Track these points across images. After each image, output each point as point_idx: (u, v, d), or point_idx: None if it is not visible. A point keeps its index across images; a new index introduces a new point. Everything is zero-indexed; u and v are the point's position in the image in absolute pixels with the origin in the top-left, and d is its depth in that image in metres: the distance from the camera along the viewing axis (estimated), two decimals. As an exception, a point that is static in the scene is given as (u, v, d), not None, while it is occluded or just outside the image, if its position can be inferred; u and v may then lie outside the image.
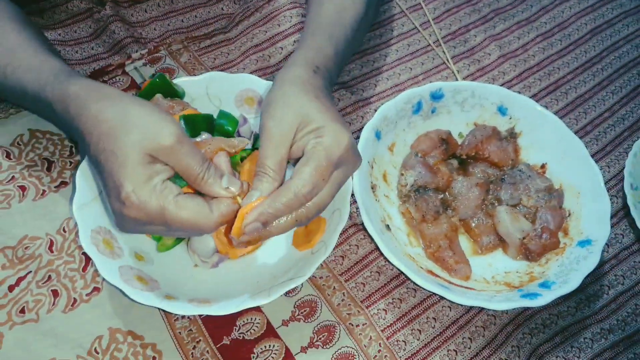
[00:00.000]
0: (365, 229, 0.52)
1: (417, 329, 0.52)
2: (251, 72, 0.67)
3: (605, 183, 0.58)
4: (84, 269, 0.52)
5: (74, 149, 0.59)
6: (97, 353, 0.48)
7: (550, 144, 0.61)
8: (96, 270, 0.51)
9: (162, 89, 0.55)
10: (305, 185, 0.43)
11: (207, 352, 0.49)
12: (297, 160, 0.46)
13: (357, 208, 0.54)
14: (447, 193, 0.59)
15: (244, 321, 0.51)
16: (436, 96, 0.62)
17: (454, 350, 0.51)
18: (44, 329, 0.49)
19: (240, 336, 0.50)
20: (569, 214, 0.58)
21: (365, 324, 0.52)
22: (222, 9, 0.73)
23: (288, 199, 0.43)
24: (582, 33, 0.77)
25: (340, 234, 0.56)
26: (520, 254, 0.56)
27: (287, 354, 0.49)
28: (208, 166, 0.44)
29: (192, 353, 0.49)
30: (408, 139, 0.62)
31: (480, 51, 0.74)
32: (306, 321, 0.51)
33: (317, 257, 0.49)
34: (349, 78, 0.69)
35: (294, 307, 0.52)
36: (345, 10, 0.59)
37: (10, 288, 0.51)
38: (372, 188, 0.57)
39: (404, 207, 0.58)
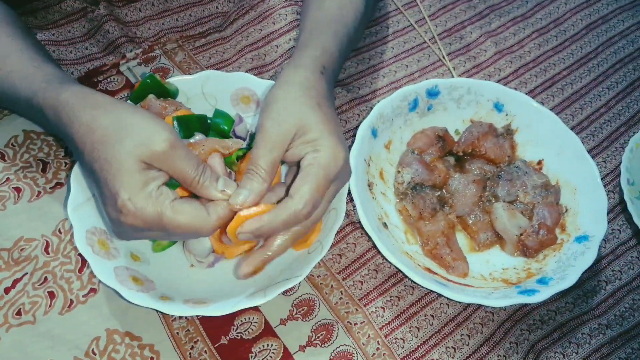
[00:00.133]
0: (362, 227, 0.52)
1: (415, 327, 0.52)
2: (246, 71, 0.67)
3: (602, 179, 0.59)
4: (80, 270, 0.52)
5: (68, 149, 0.59)
6: (95, 354, 0.48)
7: (547, 140, 0.61)
8: (92, 272, 0.51)
9: (153, 89, 0.54)
10: (305, 206, 0.43)
11: (205, 352, 0.49)
12: (287, 163, 0.46)
13: (354, 206, 0.54)
14: (444, 190, 0.59)
15: (241, 321, 0.51)
16: (432, 93, 0.62)
17: (452, 347, 0.51)
18: (41, 330, 0.49)
19: (238, 336, 0.50)
20: (566, 210, 0.58)
21: (364, 322, 0.52)
22: (216, 7, 0.73)
23: (287, 217, 0.43)
24: (577, 29, 0.77)
25: (338, 232, 0.56)
26: (517, 251, 0.56)
27: (285, 353, 0.49)
28: (203, 169, 0.44)
29: (190, 353, 0.49)
30: (404, 137, 0.62)
31: (476, 48, 0.74)
32: (304, 320, 0.51)
33: (314, 256, 0.49)
34: (344, 76, 0.69)
35: (292, 306, 0.52)
36: (345, 8, 0.59)
37: (6, 290, 0.50)
38: (369, 186, 0.57)
39: (401, 205, 0.58)
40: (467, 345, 0.52)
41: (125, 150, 0.41)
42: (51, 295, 0.51)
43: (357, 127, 0.59)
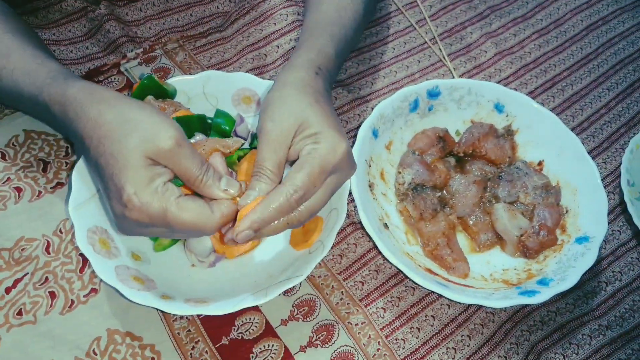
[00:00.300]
0: (363, 228, 0.52)
1: (416, 327, 0.52)
2: (247, 71, 0.67)
3: (602, 180, 0.59)
4: (81, 270, 0.52)
5: (69, 149, 0.59)
6: (96, 354, 0.48)
7: (547, 141, 0.61)
8: (93, 272, 0.51)
9: (152, 90, 0.54)
10: (296, 191, 0.43)
11: (206, 352, 0.49)
12: (293, 162, 0.46)
13: (355, 207, 0.54)
14: (444, 191, 0.59)
15: (242, 321, 0.51)
16: (433, 94, 0.62)
17: (452, 348, 0.51)
18: (42, 330, 0.49)
19: (239, 336, 0.50)
20: (566, 211, 0.58)
21: (364, 322, 0.52)
22: (217, 7, 0.73)
23: (279, 204, 0.43)
24: (577, 30, 0.77)
25: (338, 232, 0.56)
26: (518, 251, 0.56)
27: (286, 354, 0.49)
28: (207, 169, 0.44)
29: (191, 353, 0.49)
30: (405, 137, 0.62)
31: (476, 48, 0.74)
32: (305, 320, 0.51)
33: (315, 256, 0.49)
34: (345, 76, 0.69)
35: (293, 306, 0.52)
36: (344, 10, 0.59)
37: (7, 290, 0.50)
38: (370, 187, 0.57)
39: (402, 206, 0.58)
40: (468, 346, 0.52)
41: (132, 145, 0.41)
42: (52, 295, 0.50)
43: (357, 128, 0.59)
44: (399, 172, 0.59)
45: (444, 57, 0.72)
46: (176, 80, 0.58)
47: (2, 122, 0.59)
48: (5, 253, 0.52)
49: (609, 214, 0.58)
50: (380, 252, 0.52)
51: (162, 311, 0.49)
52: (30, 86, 0.48)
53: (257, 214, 0.43)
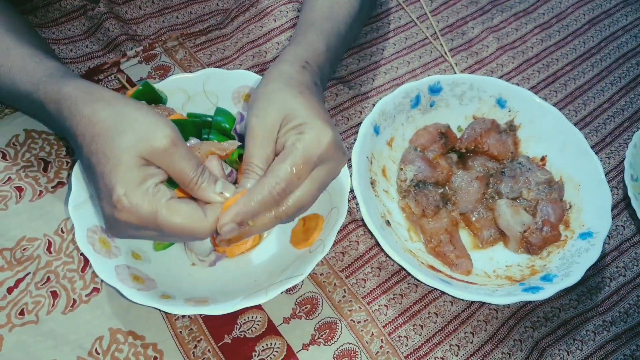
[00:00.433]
0: (365, 225, 0.52)
1: (419, 325, 0.52)
2: (247, 68, 0.67)
3: (606, 174, 0.58)
4: (82, 270, 0.52)
5: (70, 148, 0.59)
6: (98, 354, 0.48)
7: (550, 136, 0.61)
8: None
9: (147, 96, 0.54)
10: (278, 183, 0.42)
11: (209, 351, 0.49)
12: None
13: (357, 204, 0.53)
14: (447, 187, 0.58)
15: (244, 319, 0.50)
16: (434, 90, 0.62)
17: (456, 345, 0.51)
18: (44, 330, 0.49)
19: (241, 334, 0.50)
20: (570, 207, 0.58)
21: (367, 320, 0.51)
22: (217, 4, 0.73)
23: (262, 197, 0.42)
24: (580, 24, 0.77)
25: (340, 230, 0.56)
26: (521, 248, 0.56)
27: (289, 352, 0.49)
28: (202, 171, 0.43)
29: (193, 352, 0.49)
30: (407, 134, 0.62)
31: (478, 43, 0.73)
32: (307, 318, 0.51)
33: (315, 255, 0.49)
34: (346, 72, 0.68)
35: (295, 304, 0.52)
36: (337, 6, 0.59)
37: (9, 290, 0.50)
38: (372, 184, 0.57)
39: (404, 202, 0.58)
40: (471, 342, 0.51)
41: (125, 144, 0.40)
42: (54, 294, 0.50)
43: (359, 125, 0.58)
44: (401, 169, 0.59)
45: (445, 53, 0.72)
46: (176, 79, 0.57)
47: (3, 121, 0.59)
48: (6, 253, 0.52)
49: (612, 209, 0.58)
50: (382, 250, 0.52)
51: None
52: (27, 84, 0.48)
53: (239, 206, 0.42)
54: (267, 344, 0.49)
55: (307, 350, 0.50)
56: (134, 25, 0.69)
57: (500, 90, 0.62)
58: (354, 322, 0.51)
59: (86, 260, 0.52)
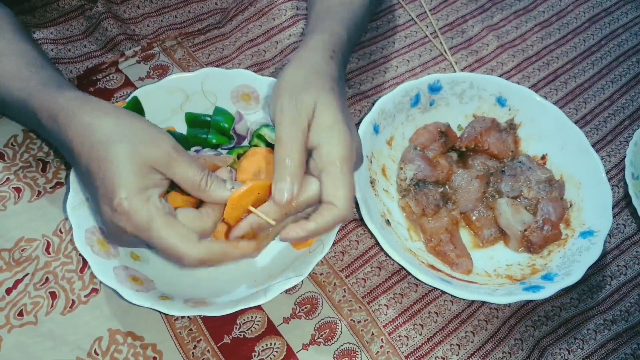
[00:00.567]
0: (365, 224, 0.52)
1: (419, 324, 0.52)
2: (246, 68, 0.66)
3: (606, 173, 0.58)
4: (81, 270, 0.52)
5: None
6: (97, 355, 0.48)
7: (550, 134, 0.60)
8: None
9: (135, 111, 0.54)
10: (350, 209, 0.43)
11: (208, 351, 0.49)
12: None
13: (357, 203, 0.53)
14: (447, 186, 0.58)
15: (244, 319, 0.50)
16: (434, 88, 0.61)
17: (456, 344, 0.51)
18: (43, 331, 0.49)
19: (241, 335, 0.50)
20: (570, 205, 0.57)
21: (367, 319, 0.51)
22: (215, 3, 0.72)
23: (335, 223, 0.43)
24: (580, 21, 0.77)
25: (340, 229, 0.56)
26: (521, 246, 0.55)
27: (289, 352, 0.49)
28: (208, 173, 0.43)
29: (192, 353, 0.48)
30: (406, 133, 0.62)
31: (478, 42, 0.73)
32: (307, 318, 0.51)
33: (315, 255, 0.49)
34: (346, 71, 0.68)
35: (295, 304, 0.51)
36: None
37: (8, 291, 0.50)
38: (371, 183, 0.57)
39: (404, 202, 0.57)
40: (472, 342, 0.51)
41: (126, 150, 0.40)
42: (53, 295, 0.50)
43: (358, 124, 0.58)
44: (401, 168, 0.59)
45: (445, 51, 0.72)
46: (174, 78, 0.57)
47: (1, 122, 0.59)
48: (5, 254, 0.52)
49: (613, 207, 0.57)
50: (382, 249, 0.52)
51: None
52: (20, 91, 0.47)
53: (311, 231, 0.42)
54: (266, 344, 0.49)
55: (307, 350, 0.49)
56: (132, 25, 0.69)
57: (501, 89, 0.62)
58: (354, 321, 0.51)
59: (85, 261, 0.52)
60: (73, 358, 0.47)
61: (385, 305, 0.52)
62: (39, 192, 0.56)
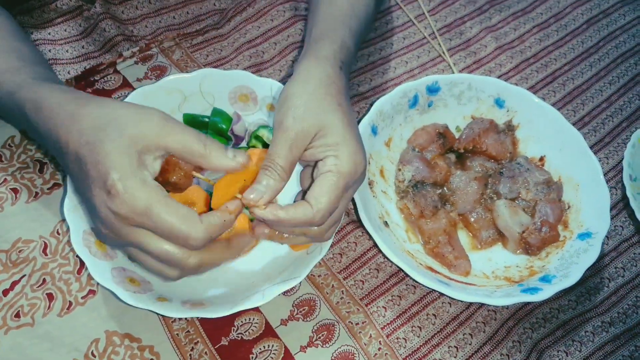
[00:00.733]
0: (363, 226, 0.52)
1: (418, 326, 0.52)
2: (245, 69, 0.66)
3: (604, 175, 0.58)
4: (78, 272, 0.52)
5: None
6: (94, 357, 0.48)
7: (548, 136, 0.60)
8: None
9: None
10: (322, 217, 0.43)
11: (206, 353, 0.49)
12: (303, 161, 0.46)
13: (355, 205, 0.53)
14: (445, 188, 0.58)
15: (242, 321, 0.50)
16: (432, 89, 0.61)
17: (454, 346, 0.51)
18: (40, 333, 0.48)
19: (238, 337, 0.49)
20: (569, 207, 0.57)
21: (365, 322, 0.51)
22: (214, 4, 0.72)
23: (300, 222, 0.43)
24: (578, 23, 0.77)
25: (338, 231, 0.56)
26: (520, 248, 0.55)
27: (287, 354, 0.49)
28: (207, 139, 0.41)
29: (190, 355, 0.48)
30: (405, 134, 0.62)
31: (476, 43, 0.73)
32: (305, 320, 0.51)
33: (313, 257, 0.49)
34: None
35: (293, 306, 0.51)
36: (357, 4, 0.58)
37: (5, 292, 0.50)
38: (370, 184, 0.57)
39: (402, 203, 0.57)
40: (470, 344, 0.51)
41: (116, 131, 0.39)
42: (50, 297, 0.50)
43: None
44: (399, 169, 0.59)
45: (443, 52, 0.72)
46: (172, 79, 0.57)
47: (-2, 123, 0.59)
48: (2, 255, 0.52)
49: (611, 209, 0.57)
50: (380, 251, 0.52)
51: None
52: (10, 84, 0.47)
53: (279, 218, 0.42)
54: (264, 346, 0.49)
55: (305, 352, 0.49)
56: (130, 26, 0.69)
57: (499, 90, 0.62)
58: (352, 323, 0.51)
59: (82, 262, 0.52)
60: (70, 359, 0.47)
61: (383, 307, 0.52)
62: (37, 193, 0.55)
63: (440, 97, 0.62)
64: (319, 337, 0.50)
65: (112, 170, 0.38)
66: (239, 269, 0.52)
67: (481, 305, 0.53)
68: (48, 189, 0.56)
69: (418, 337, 0.51)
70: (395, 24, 0.74)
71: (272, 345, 0.49)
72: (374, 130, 0.58)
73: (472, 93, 0.62)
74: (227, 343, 0.49)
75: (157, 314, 0.49)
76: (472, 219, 0.57)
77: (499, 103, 0.62)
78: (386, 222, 0.55)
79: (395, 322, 0.52)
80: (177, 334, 0.49)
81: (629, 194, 0.58)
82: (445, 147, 0.61)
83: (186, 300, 0.47)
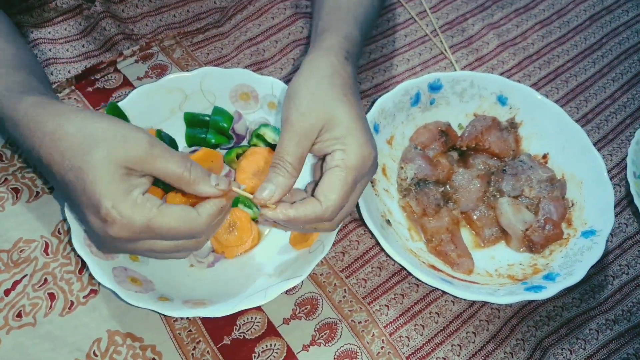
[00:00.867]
0: (365, 224, 0.52)
1: (420, 325, 0.51)
2: (245, 67, 0.66)
3: (608, 172, 0.57)
4: (80, 271, 0.51)
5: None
6: (96, 356, 0.48)
7: (552, 133, 0.60)
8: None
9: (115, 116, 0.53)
10: (332, 213, 0.42)
11: (208, 352, 0.48)
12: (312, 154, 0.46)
13: (357, 203, 0.53)
14: (447, 186, 0.58)
15: (244, 320, 0.50)
16: (434, 87, 0.61)
17: (458, 345, 0.51)
18: (42, 332, 0.48)
19: (240, 336, 0.49)
20: (572, 204, 0.57)
21: (368, 320, 0.51)
22: (214, 2, 0.72)
23: (310, 219, 0.42)
24: (581, 20, 0.76)
25: (340, 229, 0.55)
26: (523, 246, 0.55)
27: (289, 353, 0.49)
28: (192, 165, 0.41)
29: (192, 354, 0.48)
30: (407, 132, 0.61)
31: (478, 40, 0.73)
32: (307, 319, 0.51)
33: (315, 256, 0.48)
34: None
35: (295, 305, 0.51)
36: None
37: (6, 292, 0.50)
38: (372, 182, 0.56)
39: (404, 201, 0.57)
40: (473, 342, 0.51)
41: (100, 156, 0.38)
42: (51, 296, 0.50)
43: (358, 123, 0.58)
44: (401, 168, 0.58)
45: (445, 50, 0.71)
46: (173, 78, 0.57)
47: (-1, 122, 0.59)
48: (3, 255, 0.52)
49: (615, 206, 0.57)
50: (383, 249, 0.52)
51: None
52: None
53: (288, 215, 0.42)
54: (266, 345, 0.49)
55: (307, 351, 0.49)
56: (130, 24, 0.68)
57: (501, 87, 0.62)
58: (354, 322, 0.51)
59: (83, 262, 0.52)
60: (72, 359, 0.47)
61: (386, 305, 0.52)
62: (37, 193, 0.55)
63: (443, 95, 0.62)
64: (322, 336, 0.50)
65: (104, 199, 0.38)
66: (241, 268, 0.52)
67: (484, 303, 0.53)
68: (49, 188, 0.56)
69: (421, 335, 0.51)
70: (397, 21, 0.74)
71: (275, 344, 0.49)
72: (376, 128, 0.58)
73: (474, 90, 0.62)
74: (229, 342, 0.49)
75: (159, 313, 0.49)
76: (475, 217, 0.56)
77: (502, 100, 0.62)
78: (388, 220, 0.55)
79: (398, 320, 0.51)
80: (179, 334, 0.49)
81: (632, 191, 0.58)
82: (447, 145, 0.60)
83: (188, 299, 0.47)
